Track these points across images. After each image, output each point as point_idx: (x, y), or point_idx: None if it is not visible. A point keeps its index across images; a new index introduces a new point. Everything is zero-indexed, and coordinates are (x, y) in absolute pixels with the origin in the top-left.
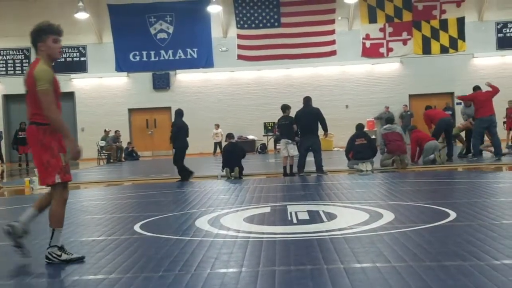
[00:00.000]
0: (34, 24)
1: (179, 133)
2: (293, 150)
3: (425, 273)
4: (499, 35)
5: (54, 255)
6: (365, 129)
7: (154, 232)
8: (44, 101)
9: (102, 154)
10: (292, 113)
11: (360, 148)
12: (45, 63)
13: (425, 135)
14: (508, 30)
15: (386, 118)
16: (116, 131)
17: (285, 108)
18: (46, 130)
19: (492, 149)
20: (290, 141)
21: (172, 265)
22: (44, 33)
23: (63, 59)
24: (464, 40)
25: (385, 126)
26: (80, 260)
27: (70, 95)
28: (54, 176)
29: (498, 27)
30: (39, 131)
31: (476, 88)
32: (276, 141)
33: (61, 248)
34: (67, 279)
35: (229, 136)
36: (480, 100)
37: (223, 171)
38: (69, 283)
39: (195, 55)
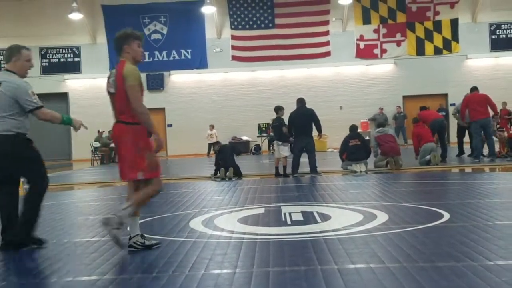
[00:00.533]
0: (30, 24)
1: None
2: (284, 151)
3: (419, 274)
4: (493, 36)
5: (138, 243)
6: (359, 130)
7: (148, 233)
8: (132, 96)
9: (95, 155)
10: (286, 114)
11: (354, 149)
12: (131, 64)
13: (426, 134)
14: (501, 32)
15: (378, 123)
16: (110, 131)
17: (277, 109)
18: (133, 129)
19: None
20: (280, 143)
21: (166, 266)
22: (132, 38)
23: (56, 60)
24: (457, 42)
25: (377, 129)
26: (157, 245)
27: (64, 96)
28: (137, 173)
29: (492, 28)
30: (128, 130)
31: (473, 89)
32: (270, 142)
33: (142, 236)
34: (61, 280)
35: (218, 143)
36: (473, 102)
37: (218, 174)
38: (63, 284)
39: (189, 56)
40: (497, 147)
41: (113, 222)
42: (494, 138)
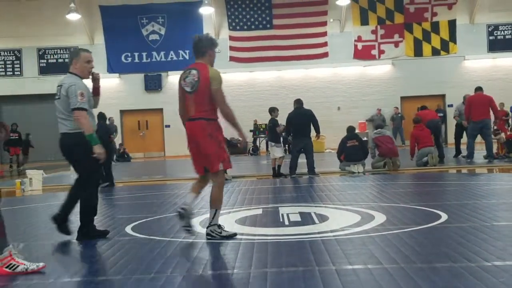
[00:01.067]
0: (28, 24)
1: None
2: (276, 152)
3: (416, 275)
4: (490, 37)
5: (215, 232)
6: (357, 131)
7: (145, 233)
8: (220, 98)
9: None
10: (284, 115)
11: (351, 150)
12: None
13: (424, 138)
14: (499, 33)
15: (376, 125)
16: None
17: (271, 110)
18: (214, 125)
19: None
20: (273, 144)
21: (163, 266)
22: (215, 45)
23: (54, 60)
24: (455, 43)
25: (375, 131)
26: (234, 236)
27: None
28: (218, 164)
29: (489, 29)
30: (209, 125)
31: (478, 89)
32: (267, 142)
33: (220, 226)
34: (58, 281)
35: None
36: (475, 103)
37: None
38: (61, 285)
39: (187, 57)
40: (495, 148)
41: (189, 212)
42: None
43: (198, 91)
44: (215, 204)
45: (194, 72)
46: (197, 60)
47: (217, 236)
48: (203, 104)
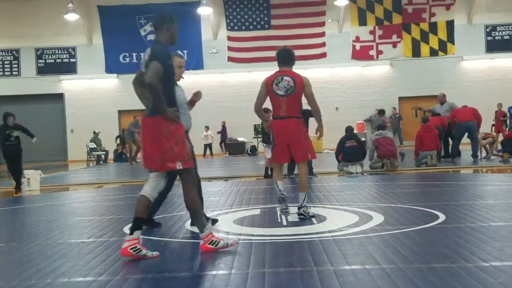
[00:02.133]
0: (26, 25)
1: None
2: (268, 154)
3: (414, 275)
4: (488, 38)
5: (306, 212)
6: (355, 131)
7: (144, 234)
8: (313, 100)
9: (91, 156)
10: None
11: (350, 150)
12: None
13: (429, 140)
14: (497, 33)
15: (377, 126)
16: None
17: (264, 111)
18: (301, 122)
19: (500, 153)
20: (264, 144)
21: (162, 266)
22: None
23: (52, 60)
24: (453, 43)
25: (376, 132)
26: (313, 217)
27: (60, 97)
28: (308, 155)
29: (487, 30)
30: (299, 122)
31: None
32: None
33: (307, 207)
34: (56, 281)
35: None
36: (459, 113)
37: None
38: (58, 285)
39: (185, 57)
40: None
41: (286, 197)
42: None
43: (294, 95)
44: (304, 189)
45: (288, 78)
46: (284, 68)
47: (307, 216)
48: (294, 105)
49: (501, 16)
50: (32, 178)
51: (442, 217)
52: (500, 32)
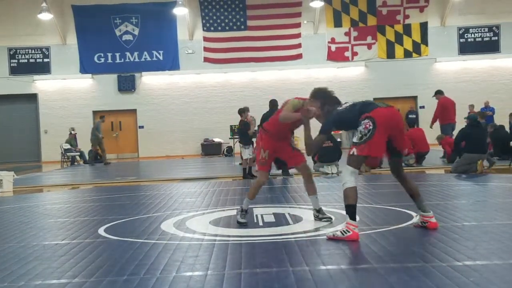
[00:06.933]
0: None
1: None
2: (245, 154)
3: (389, 275)
4: (461, 40)
5: (322, 215)
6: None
7: (119, 235)
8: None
9: (65, 157)
10: (258, 116)
11: (325, 151)
12: None
13: (419, 142)
14: (469, 36)
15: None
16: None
17: (241, 111)
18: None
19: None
20: (241, 145)
21: (137, 268)
22: None
23: (25, 60)
24: (427, 45)
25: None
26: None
27: (33, 97)
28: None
29: (460, 32)
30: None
31: (440, 92)
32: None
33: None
34: (30, 284)
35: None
36: (447, 106)
37: None
38: (32, 287)
39: (161, 57)
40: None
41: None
42: None
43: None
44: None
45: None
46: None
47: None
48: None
49: (473, 18)
50: (5, 179)
51: (416, 217)
52: (473, 34)
